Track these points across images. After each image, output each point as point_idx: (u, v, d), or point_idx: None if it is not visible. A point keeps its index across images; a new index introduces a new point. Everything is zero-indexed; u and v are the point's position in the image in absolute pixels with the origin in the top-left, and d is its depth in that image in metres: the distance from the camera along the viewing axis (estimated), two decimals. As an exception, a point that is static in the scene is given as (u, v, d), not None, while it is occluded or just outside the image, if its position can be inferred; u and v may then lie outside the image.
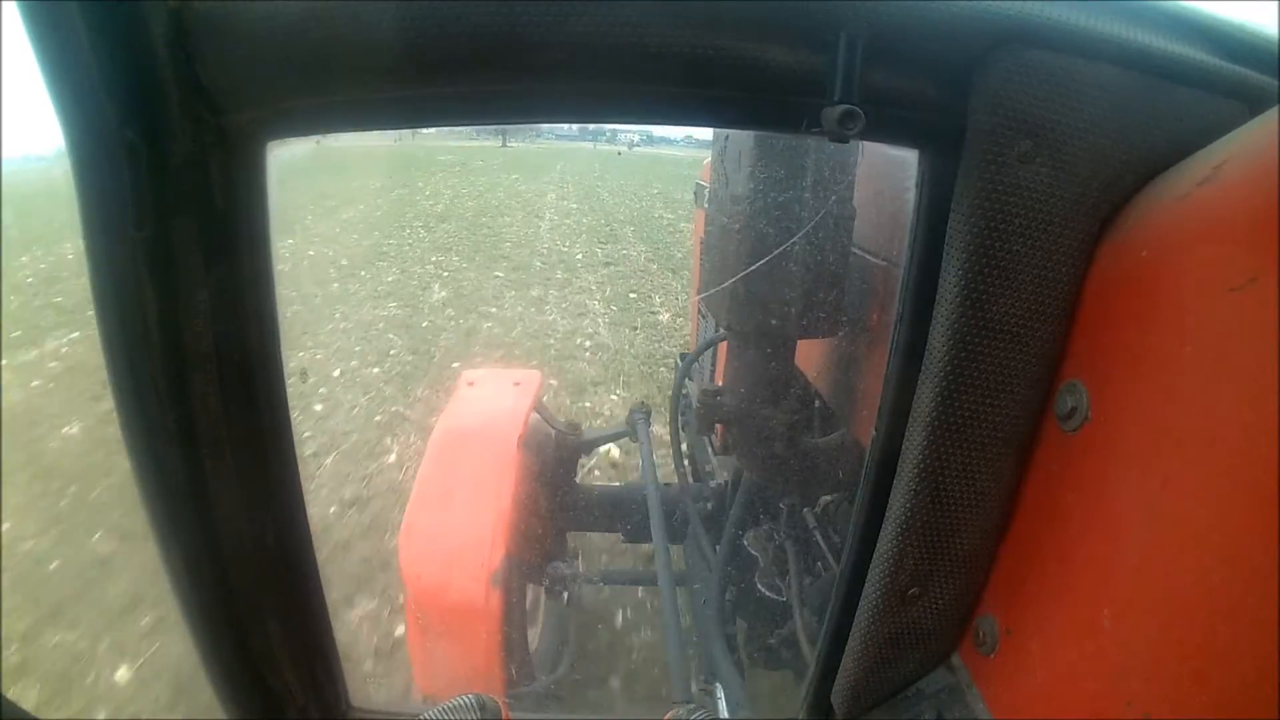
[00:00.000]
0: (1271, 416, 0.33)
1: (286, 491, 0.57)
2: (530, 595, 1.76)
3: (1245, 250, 0.36)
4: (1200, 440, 0.37)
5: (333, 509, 3.02)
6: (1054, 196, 0.45)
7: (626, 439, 2.19)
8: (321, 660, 0.66)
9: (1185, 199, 0.42)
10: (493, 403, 1.87)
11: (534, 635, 1.79)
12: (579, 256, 9.27)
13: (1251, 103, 0.47)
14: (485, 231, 10.92)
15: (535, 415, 1.85)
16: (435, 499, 1.57)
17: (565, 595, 1.91)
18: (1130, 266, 0.45)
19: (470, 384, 2.00)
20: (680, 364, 1.68)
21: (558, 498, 1.86)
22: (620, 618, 2.41)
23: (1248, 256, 0.35)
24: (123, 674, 2.14)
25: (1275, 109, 0.39)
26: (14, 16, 0.38)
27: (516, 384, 1.97)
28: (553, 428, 1.92)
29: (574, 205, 15.42)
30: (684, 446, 1.86)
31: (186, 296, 0.47)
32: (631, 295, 7.25)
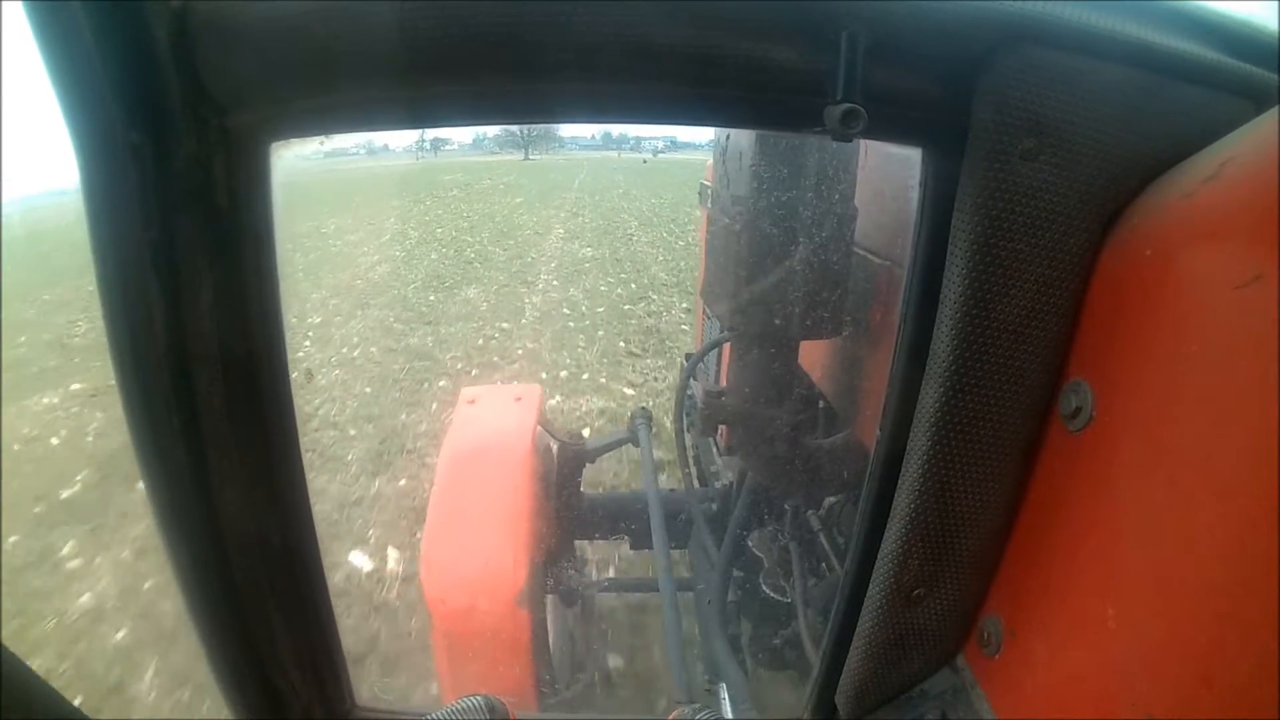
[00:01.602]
0: (1277, 414, 0.33)
1: (291, 491, 0.57)
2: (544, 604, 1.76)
3: (1250, 248, 0.36)
4: (1205, 439, 0.37)
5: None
6: (1058, 194, 0.45)
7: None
8: (326, 659, 0.66)
9: (1190, 197, 0.42)
10: (497, 420, 1.87)
11: (550, 642, 1.80)
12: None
13: (1257, 100, 0.47)
14: (417, 339, 5.80)
15: (539, 428, 1.86)
16: (451, 522, 1.55)
17: (578, 603, 1.91)
18: (1135, 264, 0.44)
19: (470, 402, 1.99)
20: (685, 365, 1.68)
21: (566, 508, 1.87)
22: (625, 617, 2.41)
23: (1253, 254, 0.35)
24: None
25: None
26: (20, 19, 0.39)
27: (518, 399, 1.97)
28: (556, 439, 1.92)
29: (588, 250, 9.95)
30: (689, 448, 1.86)
31: (192, 296, 0.47)
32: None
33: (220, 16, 0.41)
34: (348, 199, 16.48)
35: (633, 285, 7.72)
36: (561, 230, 12.00)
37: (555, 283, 7.92)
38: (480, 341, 5.76)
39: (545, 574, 1.66)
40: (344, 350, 5.59)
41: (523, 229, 12.13)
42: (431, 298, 7.27)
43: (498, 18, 0.41)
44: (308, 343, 5.83)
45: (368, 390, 4.72)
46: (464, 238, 11.27)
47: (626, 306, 6.81)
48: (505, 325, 6.18)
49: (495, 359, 5.30)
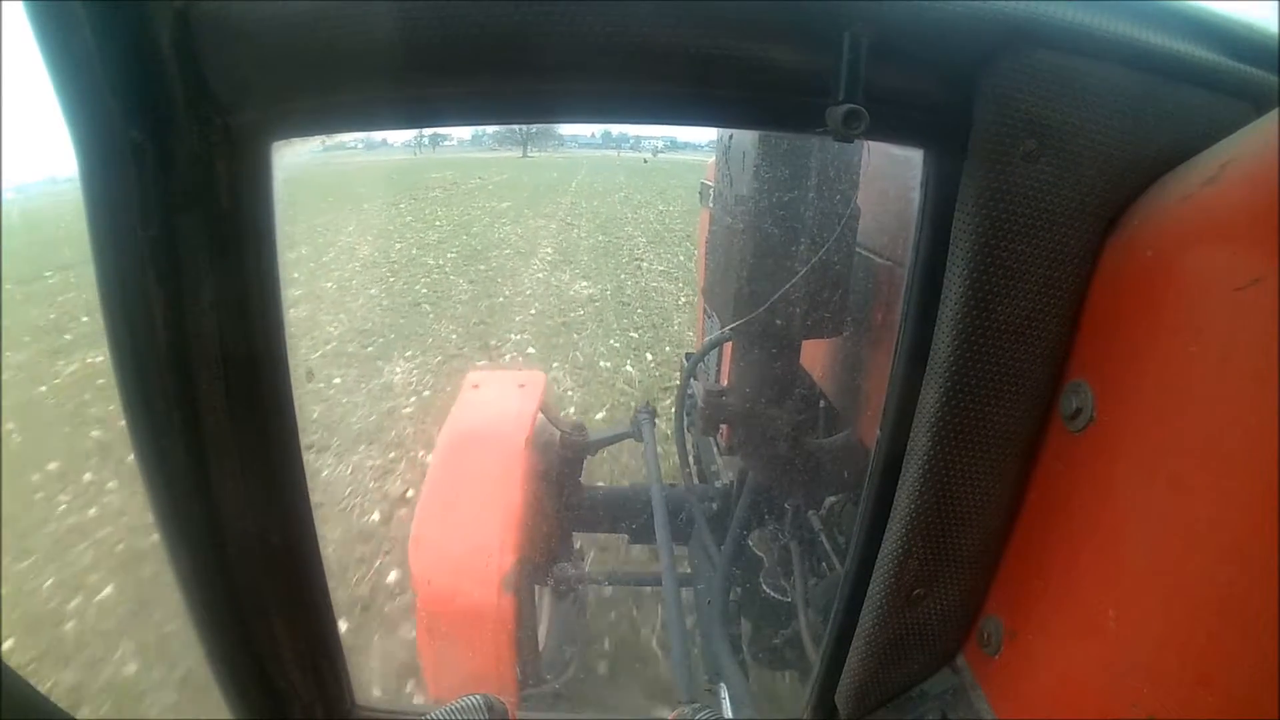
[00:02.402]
0: (1276, 416, 0.33)
1: (292, 490, 0.57)
2: (536, 594, 1.76)
3: (1250, 250, 0.36)
4: (1206, 440, 0.37)
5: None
6: (1059, 196, 0.45)
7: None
8: (326, 659, 0.66)
9: (1190, 199, 0.42)
10: (498, 405, 1.86)
11: (542, 634, 1.79)
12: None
13: (1257, 102, 0.47)
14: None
15: (540, 416, 1.85)
16: (443, 504, 1.56)
17: (573, 596, 1.91)
18: (1135, 266, 0.44)
19: (475, 386, 1.99)
20: (686, 364, 1.68)
21: (564, 499, 1.87)
22: (625, 616, 2.40)
23: (1252, 256, 0.35)
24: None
25: None
26: (20, 18, 0.39)
27: (521, 385, 1.97)
28: (558, 429, 1.92)
29: (584, 285, 7.10)
30: (690, 447, 1.86)
31: (192, 295, 0.47)
32: None
33: (222, 16, 0.41)
34: (320, 199, 13.61)
35: (648, 356, 4.79)
36: (551, 250, 9.06)
37: (533, 349, 5.08)
38: (381, 511, 2.89)
39: (537, 562, 1.67)
40: (133, 522, 2.76)
41: (502, 247, 9.20)
42: (337, 379, 4.40)
43: (499, 18, 0.41)
44: (110, 492, 2.98)
45: (130, 672, 2.09)
46: (425, 259, 8.33)
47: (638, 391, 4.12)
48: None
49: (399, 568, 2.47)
